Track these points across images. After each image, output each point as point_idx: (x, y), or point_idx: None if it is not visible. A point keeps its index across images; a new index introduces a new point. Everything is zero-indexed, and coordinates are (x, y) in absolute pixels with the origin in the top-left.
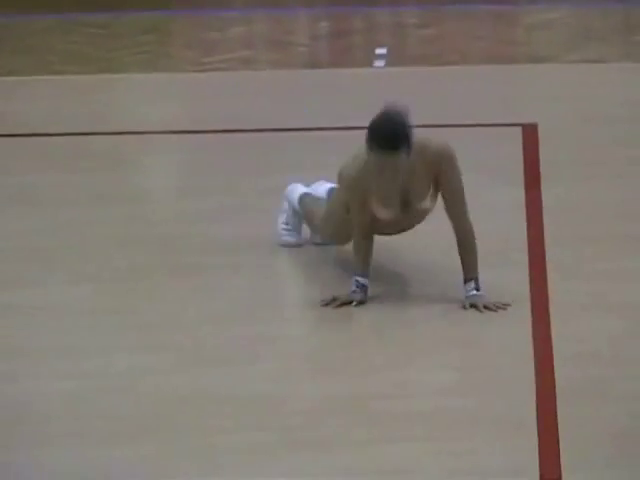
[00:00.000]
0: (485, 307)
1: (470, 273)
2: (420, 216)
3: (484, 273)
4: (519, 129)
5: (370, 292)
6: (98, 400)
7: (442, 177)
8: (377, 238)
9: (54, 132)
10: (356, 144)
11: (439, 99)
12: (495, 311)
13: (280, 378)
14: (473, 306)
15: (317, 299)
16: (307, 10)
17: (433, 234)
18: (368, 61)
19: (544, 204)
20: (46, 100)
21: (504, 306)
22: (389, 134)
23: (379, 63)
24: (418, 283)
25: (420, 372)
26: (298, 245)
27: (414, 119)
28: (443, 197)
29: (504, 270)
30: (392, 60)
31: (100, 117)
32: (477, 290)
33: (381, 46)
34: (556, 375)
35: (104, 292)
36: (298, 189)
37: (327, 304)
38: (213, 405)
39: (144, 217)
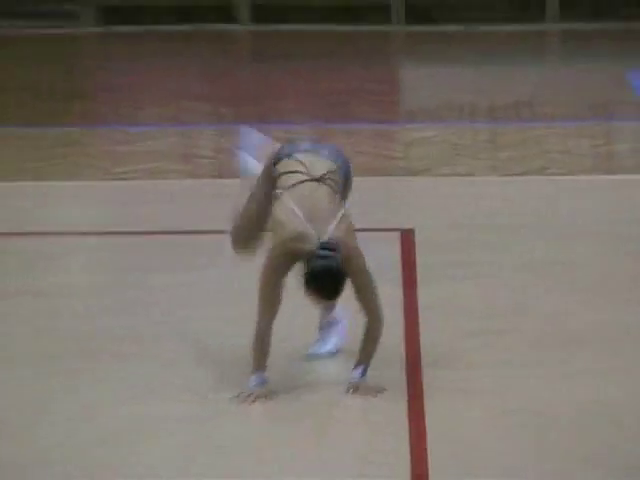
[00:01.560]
0: (366, 391)
1: (364, 359)
2: None
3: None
4: (398, 234)
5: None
6: None
7: (352, 275)
8: None
9: None
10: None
11: None
12: (375, 396)
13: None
14: (355, 389)
15: (218, 385)
16: (212, 126)
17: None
18: None
19: (419, 302)
20: None
21: (382, 390)
22: (332, 293)
23: None
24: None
25: (308, 451)
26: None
27: None
28: (355, 291)
29: (382, 361)
30: None
31: (24, 220)
32: (362, 375)
33: None
34: (428, 451)
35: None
36: None
37: (244, 400)
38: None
39: (67, 311)
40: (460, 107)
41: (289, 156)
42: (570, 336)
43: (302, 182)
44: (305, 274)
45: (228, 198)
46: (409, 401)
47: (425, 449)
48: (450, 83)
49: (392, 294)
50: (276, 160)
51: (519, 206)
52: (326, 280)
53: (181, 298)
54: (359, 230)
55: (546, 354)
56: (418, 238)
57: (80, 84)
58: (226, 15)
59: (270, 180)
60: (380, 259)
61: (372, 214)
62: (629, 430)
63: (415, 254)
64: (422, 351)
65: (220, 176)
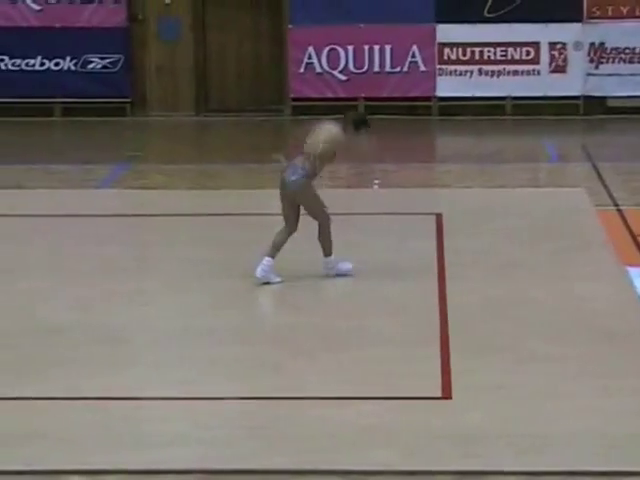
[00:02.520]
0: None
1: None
2: None
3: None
4: (434, 216)
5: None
6: None
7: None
8: None
9: None
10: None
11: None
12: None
13: None
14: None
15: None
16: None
17: None
18: None
19: (445, 248)
20: None
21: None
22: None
23: None
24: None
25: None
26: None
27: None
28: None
29: (420, 282)
30: None
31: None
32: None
33: None
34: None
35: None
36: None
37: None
38: None
39: None
40: (464, 155)
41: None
42: (510, 258)
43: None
44: (354, 122)
45: None
46: (439, 288)
47: (447, 325)
48: (459, 145)
49: (430, 245)
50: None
51: (492, 201)
52: (363, 116)
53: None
54: (415, 214)
55: (515, 259)
56: (445, 218)
57: (281, 140)
58: (353, 110)
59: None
60: (425, 228)
61: (421, 206)
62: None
63: (443, 226)
64: (446, 271)
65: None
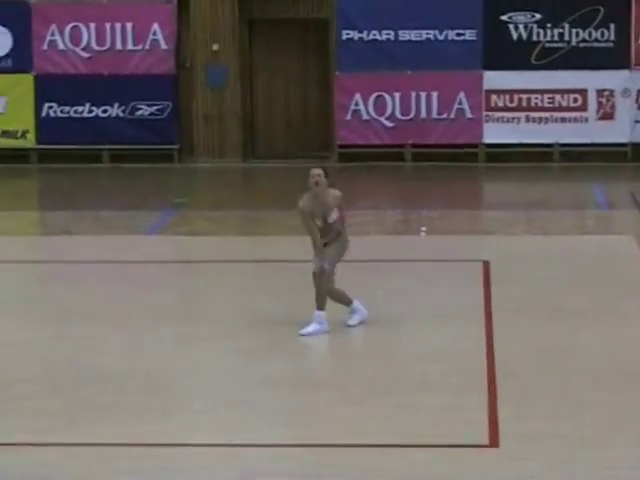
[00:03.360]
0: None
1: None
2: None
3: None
4: (481, 263)
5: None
6: None
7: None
8: None
9: None
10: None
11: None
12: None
13: None
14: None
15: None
16: (398, 209)
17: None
18: None
19: (492, 295)
20: None
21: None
22: None
23: None
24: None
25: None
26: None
27: None
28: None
29: (467, 328)
30: None
31: None
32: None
33: None
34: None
35: None
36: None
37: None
38: None
39: None
40: (512, 202)
41: None
42: (557, 305)
43: None
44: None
45: None
46: (486, 335)
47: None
48: (506, 191)
49: (477, 292)
50: None
51: (540, 248)
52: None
53: None
54: (462, 261)
55: (560, 299)
56: (492, 265)
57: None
58: (399, 157)
59: None
60: (472, 275)
61: (468, 253)
62: None
63: (490, 273)
64: (493, 315)
65: None
